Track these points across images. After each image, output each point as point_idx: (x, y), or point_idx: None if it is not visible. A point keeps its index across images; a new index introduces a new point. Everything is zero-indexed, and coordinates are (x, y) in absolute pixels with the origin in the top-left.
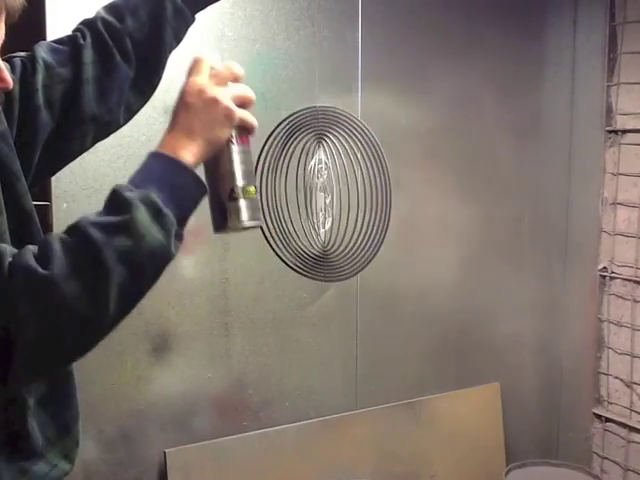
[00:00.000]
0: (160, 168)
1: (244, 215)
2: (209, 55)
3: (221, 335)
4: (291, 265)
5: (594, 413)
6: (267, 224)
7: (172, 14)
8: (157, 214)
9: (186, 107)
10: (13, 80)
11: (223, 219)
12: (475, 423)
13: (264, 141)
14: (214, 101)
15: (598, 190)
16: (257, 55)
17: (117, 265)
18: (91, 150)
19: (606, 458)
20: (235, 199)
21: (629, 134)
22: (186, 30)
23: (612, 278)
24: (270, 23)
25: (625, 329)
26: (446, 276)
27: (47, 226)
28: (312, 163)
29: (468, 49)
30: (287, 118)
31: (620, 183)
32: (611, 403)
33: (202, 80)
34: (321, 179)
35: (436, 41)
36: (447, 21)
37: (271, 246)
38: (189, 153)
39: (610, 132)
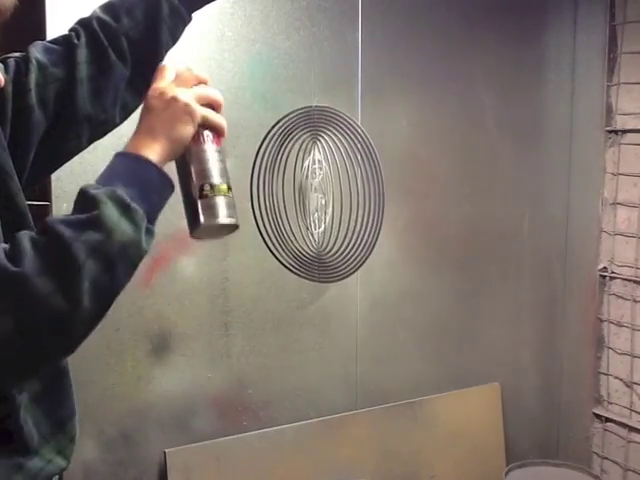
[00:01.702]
0: (125, 166)
1: (216, 212)
2: (174, 63)
3: (221, 335)
4: (287, 265)
5: (594, 413)
6: (264, 224)
7: (168, 13)
8: (125, 209)
9: (148, 110)
10: (6, 80)
11: (195, 218)
12: (475, 423)
13: (260, 141)
14: (174, 100)
15: (598, 190)
16: (257, 55)
17: (88, 260)
18: (91, 150)
19: (606, 458)
20: (206, 196)
21: (629, 134)
22: (182, 29)
23: (612, 278)
24: (270, 23)
25: (625, 329)
26: (446, 276)
27: None
28: (306, 163)
29: (468, 49)
30: (283, 118)
31: (620, 183)
32: (611, 403)
33: (164, 83)
34: (316, 179)
35: (436, 41)
36: (447, 21)
37: (268, 246)
38: (153, 152)
39: (610, 132)
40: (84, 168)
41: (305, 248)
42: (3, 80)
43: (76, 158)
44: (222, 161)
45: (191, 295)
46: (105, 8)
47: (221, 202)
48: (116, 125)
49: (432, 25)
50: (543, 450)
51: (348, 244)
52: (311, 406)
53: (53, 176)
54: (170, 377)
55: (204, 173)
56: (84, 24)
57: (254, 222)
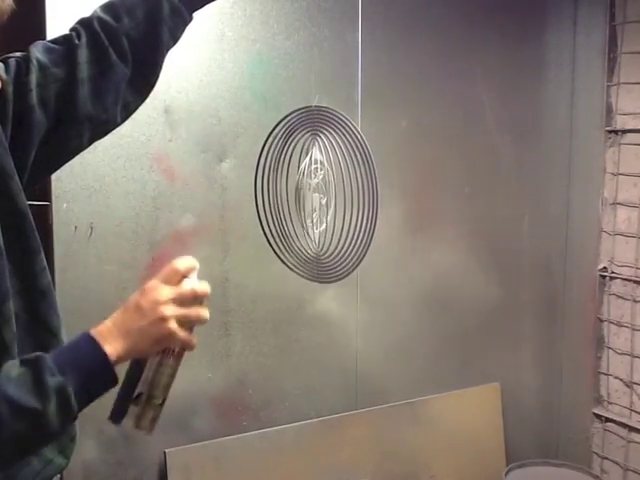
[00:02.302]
0: (87, 356)
1: (137, 422)
2: (186, 263)
3: (221, 335)
4: (290, 266)
5: (594, 413)
6: (268, 225)
7: (169, 13)
8: (65, 408)
9: (136, 308)
10: (6, 81)
11: (118, 415)
12: (475, 423)
13: (263, 141)
14: (161, 320)
15: (598, 190)
16: (257, 55)
17: (8, 443)
18: (91, 150)
19: (606, 458)
20: (138, 405)
21: (629, 134)
22: (183, 29)
23: (612, 278)
24: (270, 23)
25: (625, 329)
26: (446, 276)
27: (47, 226)
28: (304, 164)
29: (468, 49)
30: (284, 118)
31: (620, 183)
32: (611, 403)
33: (164, 293)
34: (314, 180)
35: (436, 41)
36: (447, 21)
37: (272, 247)
38: (115, 350)
39: (610, 132)
40: (84, 168)
41: (306, 248)
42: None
43: (76, 158)
44: (172, 376)
45: None
46: (106, 8)
47: (147, 415)
48: (117, 125)
49: (432, 25)
50: (543, 450)
51: (344, 244)
52: (311, 406)
53: (53, 176)
54: None
55: (149, 383)
56: (85, 24)
57: (259, 223)
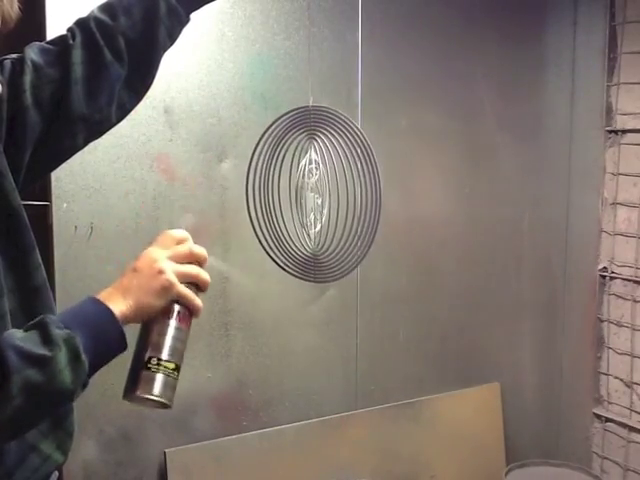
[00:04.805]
0: (94, 312)
1: (151, 387)
2: (180, 232)
3: (221, 335)
4: (283, 266)
5: (594, 413)
6: (260, 225)
7: (166, 13)
8: (75, 359)
9: (133, 269)
10: (1, 82)
11: (133, 386)
12: (475, 423)
13: (257, 140)
14: (158, 272)
15: (598, 190)
16: (257, 55)
17: (19, 396)
18: (91, 150)
19: (606, 458)
20: (149, 369)
21: (629, 134)
22: (180, 30)
23: (612, 278)
24: (270, 23)
25: (625, 329)
26: (446, 276)
27: (47, 226)
28: (302, 163)
29: (468, 49)
30: (280, 118)
31: (620, 183)
32: (611, 403)
33: (159, 253)
34: (312, 179)
35: (436, 41)
36: (447, 21)
37: (263, 247)
38: (118, 307)
39: (610, 132)
40: (84, 168)
41: (301, 248)
42: None
43: (76, 158)
44: (180, 341)
45: None
46: (103, 7)
47: (160, 379)
48: (112, 125)
49: (432, 25)
50: (543, 450)
51: (345, 244)
52: (311, 406)
53: (53, 176)
54: None
55: (157, 346)
56: (81, 24)
57: (250, 223)
